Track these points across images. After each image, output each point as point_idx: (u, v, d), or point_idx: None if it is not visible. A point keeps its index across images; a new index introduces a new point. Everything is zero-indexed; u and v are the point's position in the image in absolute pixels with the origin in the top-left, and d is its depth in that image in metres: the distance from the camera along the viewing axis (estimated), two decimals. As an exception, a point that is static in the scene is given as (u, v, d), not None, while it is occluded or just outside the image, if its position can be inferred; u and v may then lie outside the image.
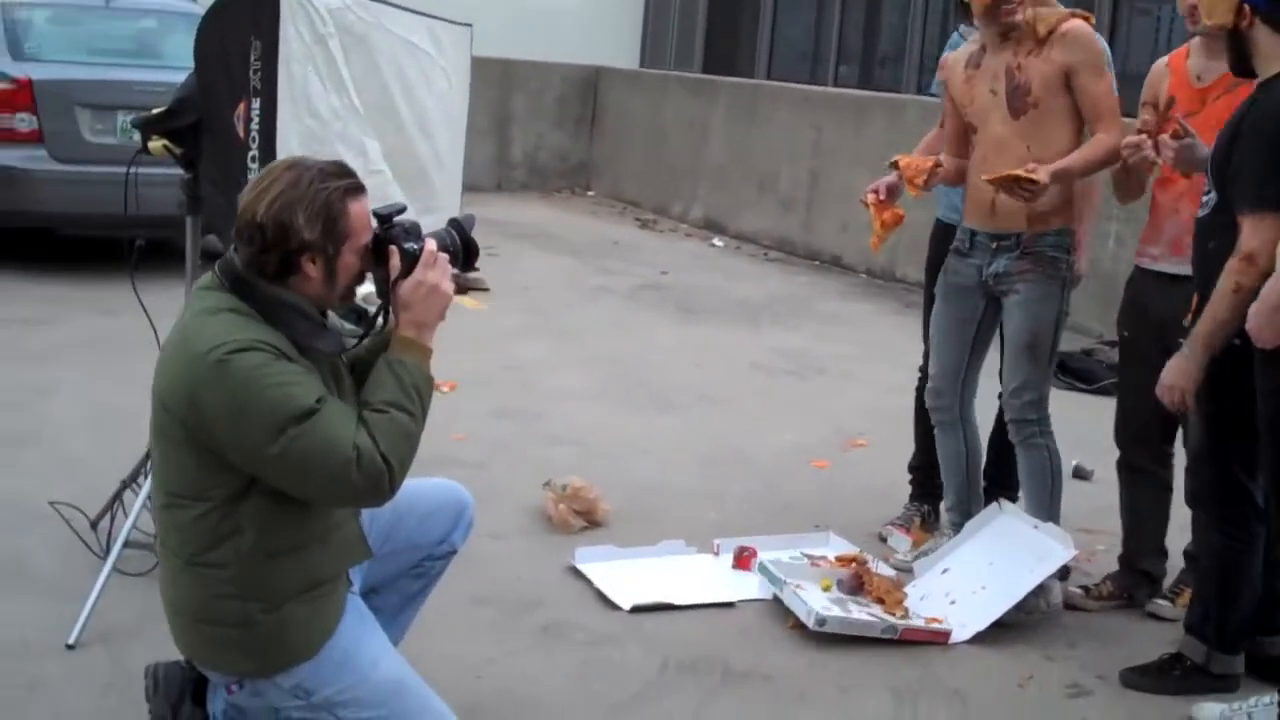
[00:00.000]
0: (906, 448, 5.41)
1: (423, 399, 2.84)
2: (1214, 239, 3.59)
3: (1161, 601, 4.43)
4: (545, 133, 14.43)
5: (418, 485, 3.19)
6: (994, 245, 4.46)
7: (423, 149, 4.58)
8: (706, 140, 12.99)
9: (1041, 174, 4.15)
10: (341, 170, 2.85)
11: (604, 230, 12.40)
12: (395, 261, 2.85)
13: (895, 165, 4.63)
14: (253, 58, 4.23)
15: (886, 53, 21.42)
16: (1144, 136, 4.02)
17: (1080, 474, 5.84)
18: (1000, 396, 4.56)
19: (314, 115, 4.29)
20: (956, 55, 4.65)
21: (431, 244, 2.89)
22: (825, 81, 19.64)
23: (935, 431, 4.82)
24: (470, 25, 4.54)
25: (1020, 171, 4.17)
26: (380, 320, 3.00)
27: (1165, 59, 4.28)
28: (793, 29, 21.93)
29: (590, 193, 14.54)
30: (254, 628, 2.82)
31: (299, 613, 2.84)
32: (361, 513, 3.04)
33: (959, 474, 4.75)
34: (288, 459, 2.67)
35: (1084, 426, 5.73)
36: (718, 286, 10.01)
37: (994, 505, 4.52)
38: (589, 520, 4.98)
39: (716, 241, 12.20)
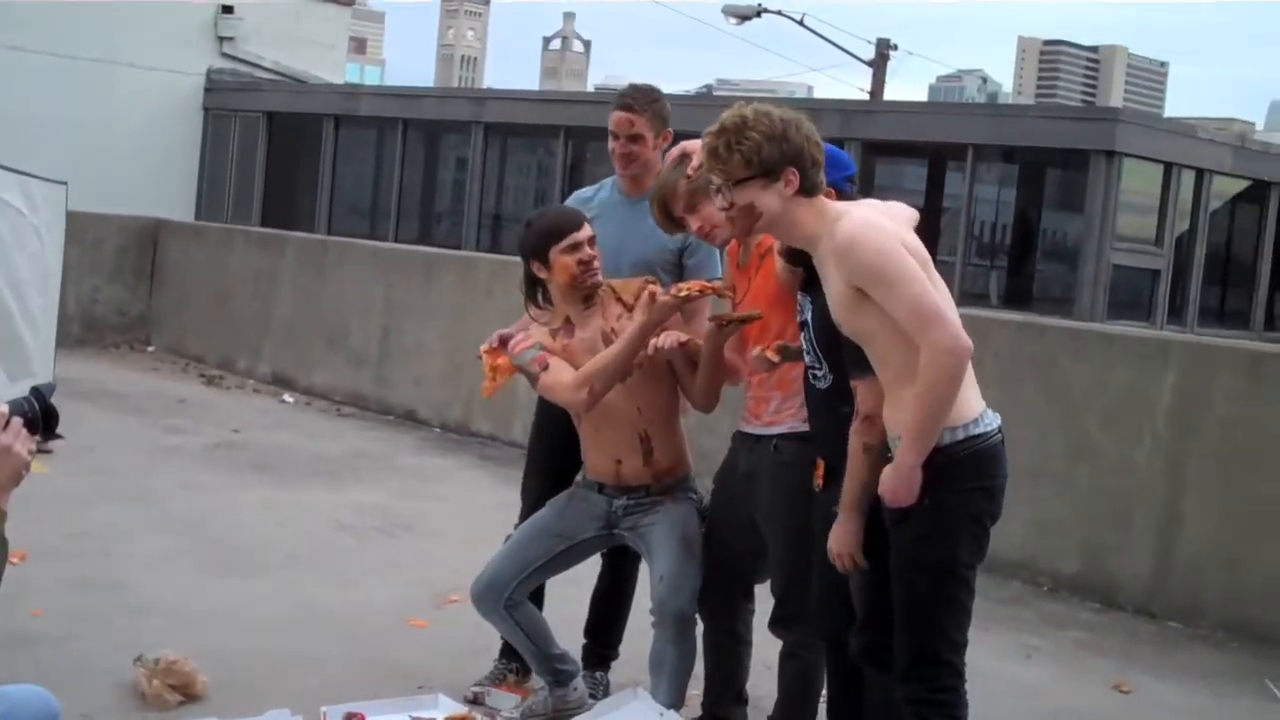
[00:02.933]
0: (500, 603, 5.43)
1: None
2: (847, 404, 3.83)
3: None
4: (102, 286, 13.91)
5: (7, 694, 3.09)
6: (624, 496, 4.66)
7: (15, 311, 4.35)
8: (274, 295, 12.85)
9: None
10: None
11: (168, 387, 12.02)
12: None
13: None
14: None
15: (445, 210, 21.90)
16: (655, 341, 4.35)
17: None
18: (655, 596, 4.47)
19: (-105, 280, 4.04)
20: (539, 335, 4.69)
21: (3, 407, 2.87)
22: (386, 237, 19.88)
23: (485, 618, 4.80)
24: (65, 183, 4.38)
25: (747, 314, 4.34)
26: None
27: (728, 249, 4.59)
28: (352, 185, 22.12)
29: (150, 348, 14.08)
30: None
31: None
32: None
33: (528, 647, 4.78)
34: None
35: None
36: (293, 444, 9.87)
37: (630, 691, 4.54)
38: (186, 695, 4.78)
39: (287, 398, 12.03)
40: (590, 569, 5.15)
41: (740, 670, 4.66)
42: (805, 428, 4.23)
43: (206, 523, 7.32)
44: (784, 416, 4.29)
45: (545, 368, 4.59)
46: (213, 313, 13.55)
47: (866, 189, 16.54)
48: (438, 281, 11.31)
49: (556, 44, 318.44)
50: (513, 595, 4.65)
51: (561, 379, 4.56)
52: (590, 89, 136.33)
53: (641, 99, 5.03)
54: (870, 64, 29.05)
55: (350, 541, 7.26)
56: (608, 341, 4.58)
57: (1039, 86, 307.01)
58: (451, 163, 21.45)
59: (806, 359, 4.03)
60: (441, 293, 11.20)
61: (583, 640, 5.24)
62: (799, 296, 4.03)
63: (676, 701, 4.49)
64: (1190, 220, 16.92)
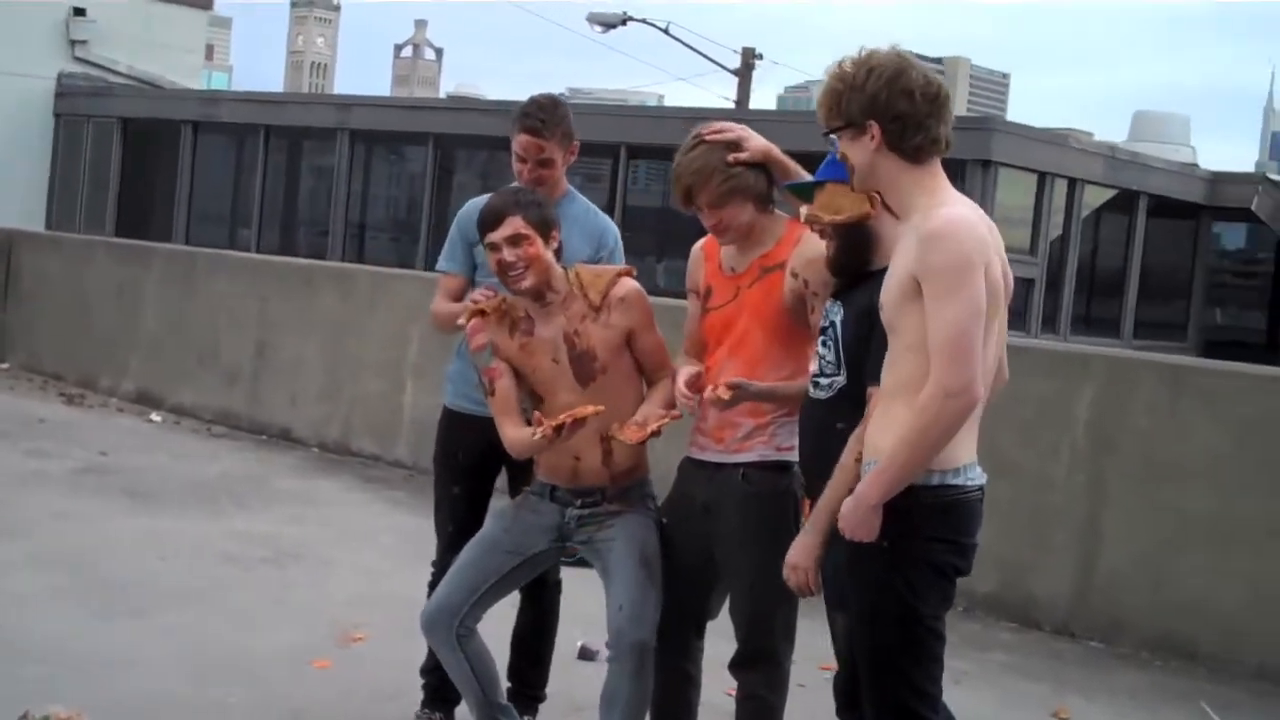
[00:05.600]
0: (406, 639, 5.10)
1: None
2: (842, 420, 3.59)
3: None
4: (-49, 301, 13.21)
5: None
6: (578, 501, 4.31)
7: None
8: (138, 309, 12.24)
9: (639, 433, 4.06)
10: None
11: (26, 407, 11.38)
12: None
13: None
14: None
15: (309, 219, 21.33)
16: (691, 396, 3.99)
17: (586, 655, 5.73)
18: (613, 626, 4.13)
19: None
20: (494, 333, 4.32)
21: None
22: (247, 247, 19.29)
23: (435, 650, 4.45)
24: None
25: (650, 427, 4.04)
26: None
27: (702, 243, 4.26)
28: (211, 193, 21.45)
29: (4, 365, 13.37)
30: None
31: None
32: None
33: (474, 690, 4.40)
34: None
35: (589, 604, 5.51)
36: (165, 467, 9.36)
37: None
38: (81, 755, 4.37)
39: (154, 417, 11.45)
40: (508, 605, 4.80)
41: (690, 713, 4.34)
42: (778, 456, 3.97)
43: (83, 556, 6.82)
44: (754, 444, 4.00)
45: (492, 393, 4.28)
46: (72, 328, 12.90)
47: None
48: (317, 295, 10.84)
49: (408, 51, 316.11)
50: (465, 622, 4.26)
51: (499, 417, 4.29)
52: (442, 96, 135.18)
53: (550, 120, 4.63)
54: (736, 72, 29.03)
55: (239, 575, 6.81)
56: (570, 344, 4.22)
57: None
58: (315, 170, 20.89)
59: (820, 364, 3.74)
60: (321, 306, 10.74)
61: (505, 683, 4.89)
62: (829, 304, 3.76)
63: None
64: (1063, 229, 17.04)
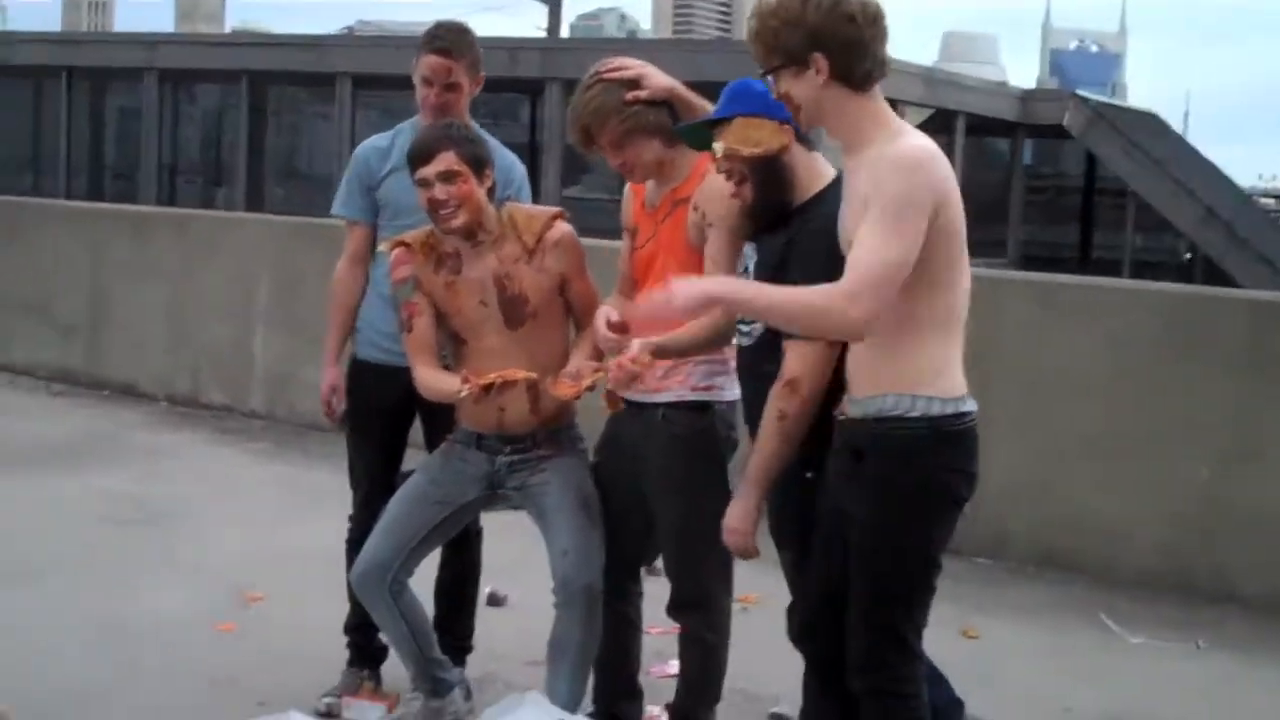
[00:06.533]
0: (307, 596, 5.03)
1: None
2: (770, 363, 3.50)
3: None
4: None
5: None
6: (507, 448, 4.17)
7: None
8: (-42, 264, 11.63)
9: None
10: None
11: None
12: None
13: None
14: None
15: (118, 164, 20.55)
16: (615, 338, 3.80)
17: (494, 601, 5.65)
18: (559, 572, 4.03)
19: None
20: (419, 267, 4.14)
21: None
22: (56, 195, 18.52)
23: (368, 608, 4.27)
24: None
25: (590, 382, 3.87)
26: None
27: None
28: (11, 141, 20.53)
29: None
30: None
31: None
32: None
33: (409, 646, 4.27)
34: None
35: (504, 554, 5.37)
36: (10, 428, 8.93)
37: (517, 696, 3.99)
38: (-3, 743, 4.14)
39: (-14, 377, 10.94)
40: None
41: (632, 659, 4.30)
42: (695, 396, 3.92)
43: (-53, 528, 6.49)
44: (672, 383, 3.92)
45: (409, 330, 4.13)
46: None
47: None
48: (152, 241, 10.42)
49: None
50: (398, 576, 4.12)
51: (413, 355, 4.15)
52: (228, 31, 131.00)
53: (459, 43, 4.49)
54: (547, 0, 28.80)
55: (115, 536, 6.54)
56: (500, 286, 4.06)
57: (675, 23, 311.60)
58: (123, 113, 20.12)
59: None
60: (158, 253, 10.33)
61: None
62: (747, 247, 3.66)
63: (579, 694, 4.08)
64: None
